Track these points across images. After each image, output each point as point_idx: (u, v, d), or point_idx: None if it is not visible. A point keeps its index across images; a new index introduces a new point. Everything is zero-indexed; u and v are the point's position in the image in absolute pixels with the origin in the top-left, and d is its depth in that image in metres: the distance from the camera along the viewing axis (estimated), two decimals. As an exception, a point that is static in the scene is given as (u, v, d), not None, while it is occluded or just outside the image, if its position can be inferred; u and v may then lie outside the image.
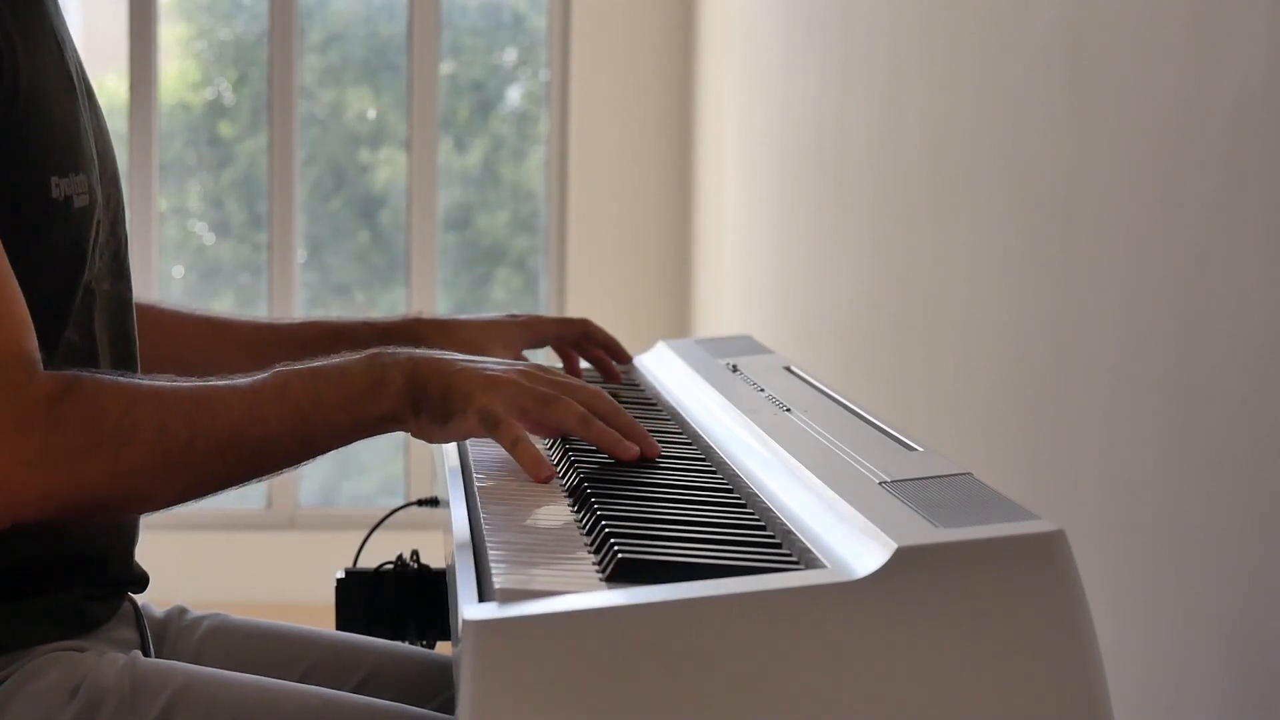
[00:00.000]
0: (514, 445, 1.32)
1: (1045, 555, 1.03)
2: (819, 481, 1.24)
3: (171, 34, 4.99)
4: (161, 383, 1.28)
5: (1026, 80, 2.18)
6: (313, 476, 4.92)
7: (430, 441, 1.36)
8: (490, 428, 1.31)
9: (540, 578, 1.10)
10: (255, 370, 1.61)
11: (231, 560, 4.71)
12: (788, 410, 1.49)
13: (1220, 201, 1.66)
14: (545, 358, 1.87)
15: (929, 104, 2.59)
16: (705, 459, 1.44)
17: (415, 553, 1.74)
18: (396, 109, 5.02)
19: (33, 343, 1.24)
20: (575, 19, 4.80)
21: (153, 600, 1.54)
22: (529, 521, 1.26)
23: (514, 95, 5.18)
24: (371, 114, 5.09)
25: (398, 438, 1.35)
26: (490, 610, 1.01)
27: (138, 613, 1.48)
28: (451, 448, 1.50)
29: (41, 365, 1.24)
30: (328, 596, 1.74)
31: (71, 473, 1.22)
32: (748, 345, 1.88)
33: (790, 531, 1.18)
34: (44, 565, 1.36)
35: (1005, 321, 2.24)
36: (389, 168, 5.07)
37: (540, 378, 1.35)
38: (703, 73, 4.61)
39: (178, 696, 1.31)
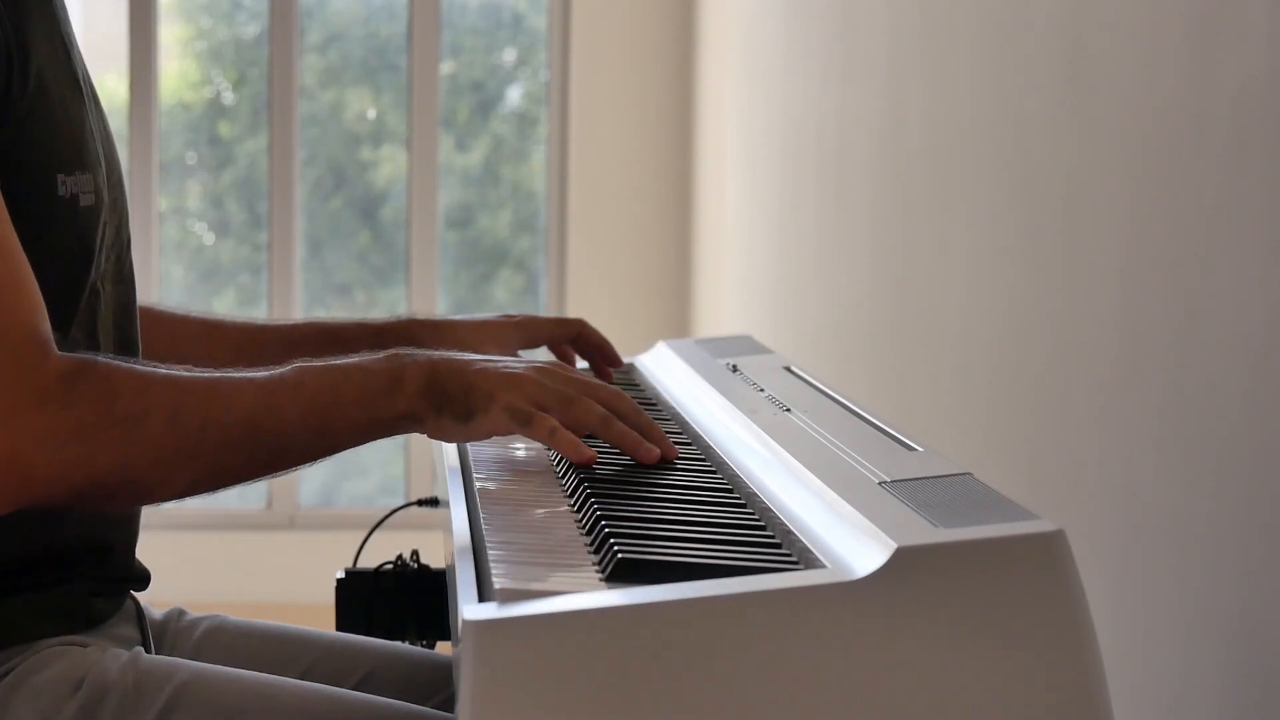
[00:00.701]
0: (552, 435, 1.32)
1: (1045, 555, 1.03)
2: (819, 481, 1.24)
3: (171, 34, 4.99)
4: (177, 370, 1.28)
5: (1026, 80, 2.18)
6: (313, 476, 4.92)
7: (449, 441, 1.36)
8: (522, 423, 1.31)
9: (540, 578, 1.10)
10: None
11: (231, 560, 4.71)
12: (788, 410, 1.49)
13: (1220, 201, 1.66)
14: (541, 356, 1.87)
15: (929, 104, 2.59)
16: (705, 459, 1.44)
17: (415, 553, 1.74)
18: (396, 109, 5.02)
19: (46, 324, 1.24)
20: (575, 19, 4.80)
21: (151, 601, 1.54)
22: (529, 521, 1.26)
23: (514, 95, 5.19)
24: (371, 114, 5.09)
25: (398, 437, 1.36)
26: (490, 610, 1.01)
27: (139, 611, 1.49)
28: (451, 448, 1.50)
29: (54, 345, 1.24)
30: (328, 596, 1.74)
31: (83, 452, 1.21)
32: (748, 345, 1.88)
33: (790, 531, 1.18)
34: (47, 557, 1.36)
35: (1005, 321, 2.24)
36: (389, 167, 5.07)
37: (559, 376, 1.35)
38: (703, 73, 4.61)
39: (180, 691, 1.31)
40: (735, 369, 1.71)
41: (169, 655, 1.52)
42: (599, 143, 4.82)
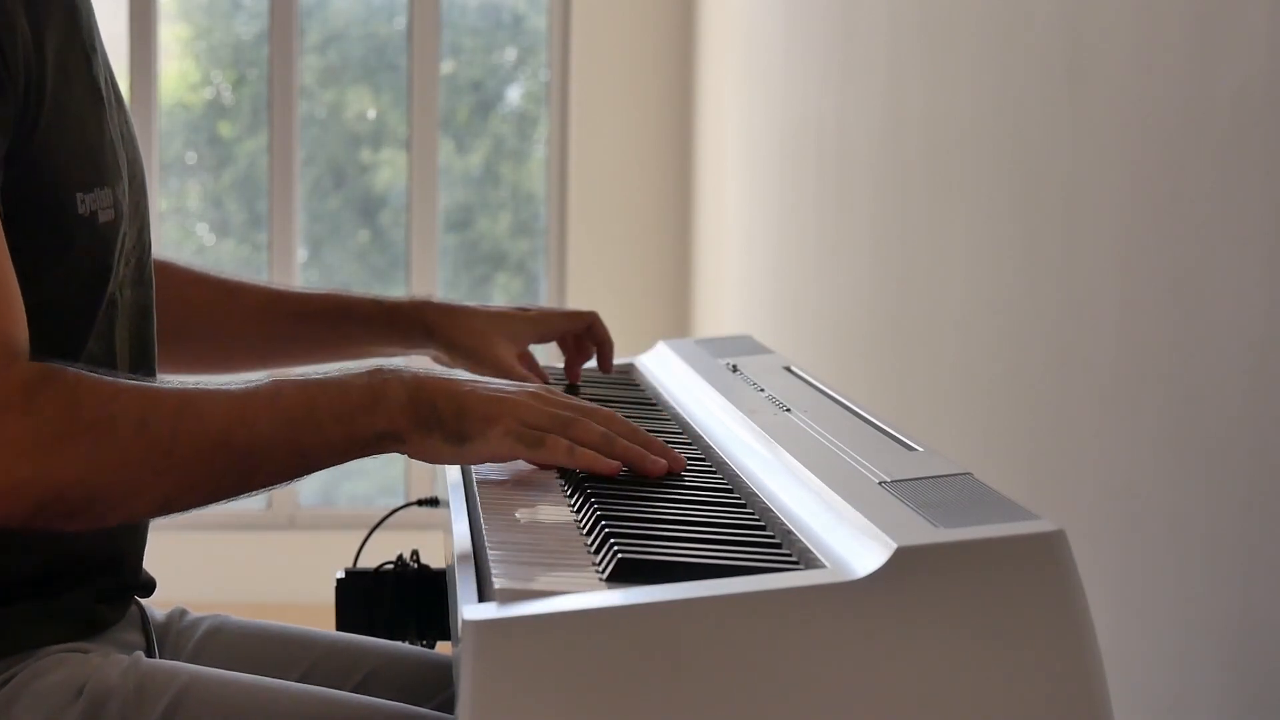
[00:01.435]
0: (571, 453, 1.30)
1: (1045, 555, 1.03)
2: (819, 481, 1.24)
3: (171, 34, 4.99)
4: (147, 382, 1.25)
5: (1026, 80, 2.18)
6: (313, 476, 4.92)
7: (437, 462, 1.32)
8: (531, 446, 1.29)
9: (540, 578, 1.10)
10: (263, 337, 1.59)
11: (231, 560, 4.71)
12: (788, 410, 1.49)
13: (1220, 201, 1.66)
14: (545, 355, 1.87)
15: (929, 104, 2.59)
16: (705, 459, 1.44)
17: (415, 553, 1.73)
18: (396, 109, 5.02)
19: (19, 330, 1.21)
20: (575, 19, 4.80)
21: (153, 601, 1.54)
22: (529, 521, 1.26)
23: (514, 95, 5.19)
24: (371, 114, 5.09)
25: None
26: (490, 610, 1.01)
27: (144, 615, 1.48)
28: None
29: (26, 355, 1.21)
30: (328, 596, 1.74)
31: (45, 462, 1.18)
32: (748, 345, 1.87)
33: (790, 531, 1.18)
34: (57, 568, 1.36)
35: (1005, 321, 2.24)
36: (389, 168, 5.07)
37: (550, 399, 1.33)
38: (703, 73, 4.61)
39: (181, 696, 1.31)
40: (735, 369, 1.71)
41: (171, 656, 1.52)
42: (599, 143, 4.82)
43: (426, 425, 1.27)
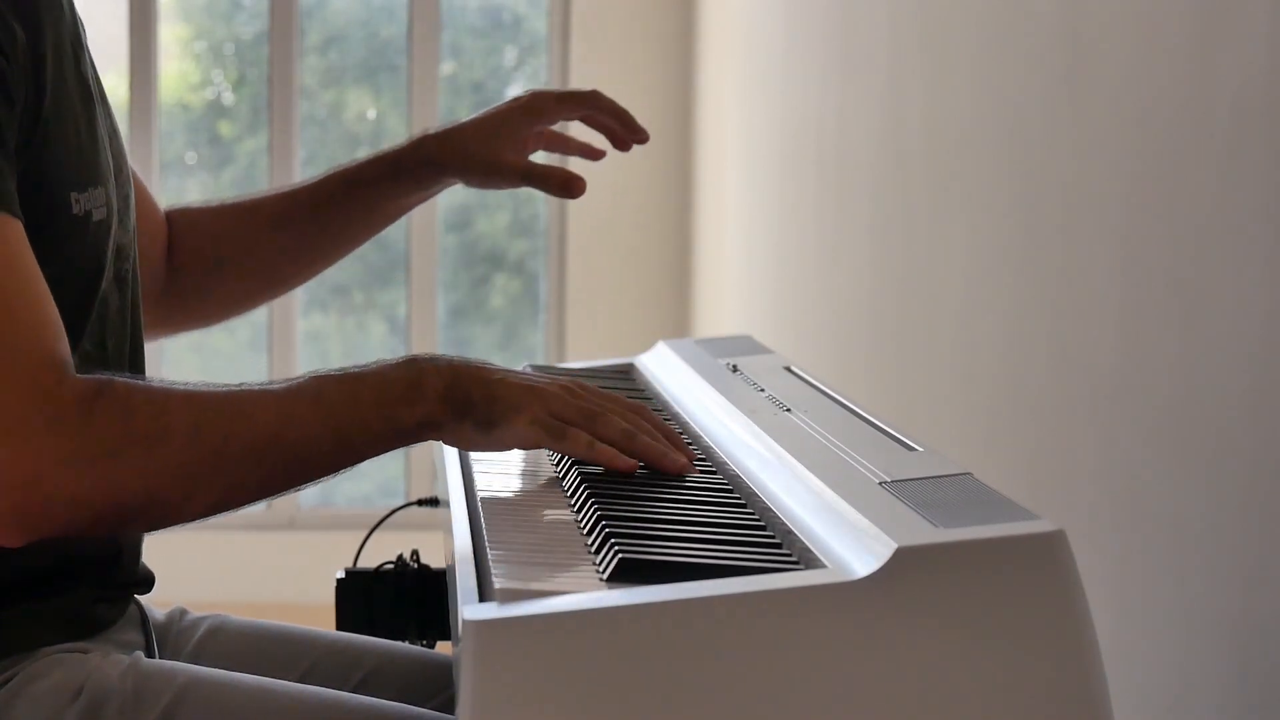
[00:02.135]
0: (590, 448, 1.31)
1: (1045, 555, 1.03)
2: (819, 481, 1.24)
3: (171, 34, 4.99)
4: (194, 385, 1.27)
5: (1026, 80, 2.18)
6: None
7: (469, 449, 1.35)
8: (555, 437, 1.30)
9: (540, 578, 1.10)
10: (295, 238, 1.59)
11: (231, 560, 4.71)
12: (788, 410, 1.49)
13: (1220, 200, 1.66)
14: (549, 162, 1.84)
15: (929, 104, 2.59)
16: (705, 459, 1.44)
17: (415, 553, 1.73)
18: (396, 109, 5.02)
19: (64, 346, 1.24)
20: (575, 19, 4.80)
21: (153, 601, 1.54)
22: (529, 521, 1.26)
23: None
24: (371, 114, 5.09)
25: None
26: (490, 610, 1.01)
27: (143, 615, 1.48)
28: (452, 448, 1.50)
29: (72, 368, 1.23)
30: (328, 596, 1.74)
31: (104, 474, 1.20)
32: (748, 345, 1.87)
33: (790, 531, 1.18)
34: (55, 566, 1.36)
35: (1005, 321, 2.24)
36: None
37: (580, 391, 1.35)
38: (703, 73, 4.61)
39: (180, 696, 1.31)
40: (735, 369, 1.71)
41: (170, 656, 1.52)
42: (599, 143, 4.81)
43: (460, 412, 1.30)
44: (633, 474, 1.33)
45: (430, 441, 1.36)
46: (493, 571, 1.09)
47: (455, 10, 5.00)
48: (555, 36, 4.89)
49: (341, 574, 1.73)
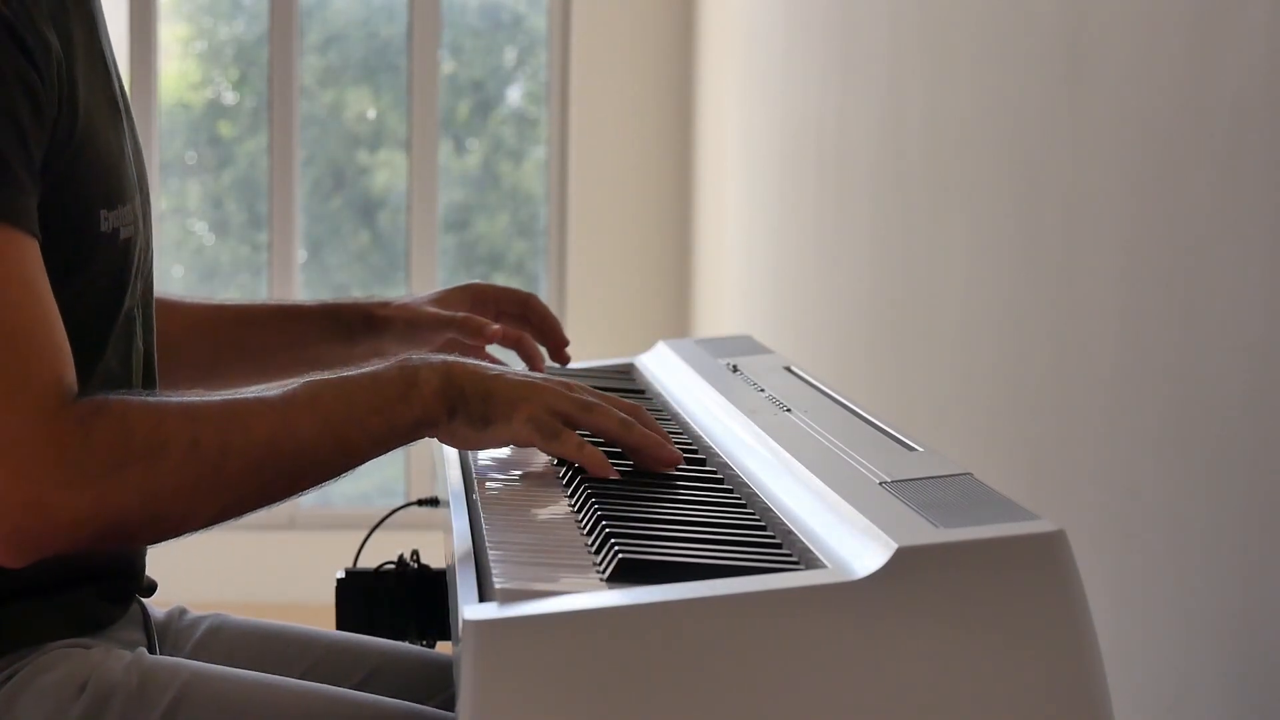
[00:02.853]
0: (580, 450, 1.31)
1: (1045, 555, 1.03)
2: (819, 481, 1.24)
3: (171, 34, 4.99)
4: (190, 398, 1.27)
5: (1026, 80, 2.18)
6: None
7: (463, 447, 1.36)
8: (548, 437, 1.31)
9: (540, 578, 1.10)
10: (211, 346, 1.59)
11: (231, 560, 4.71)
12: (788, 410, 1.49)
13: (1220, 200, 1.66)
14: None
15: (929, 104, 2.59)
16: (705, 459, 1.44)
17: (415, 553, 1.74)
18: (396, 109, 5.02)
19: (71, 373, 1.24)
20: (575, 19, 4.80)
21: (153, 601, 1.54)
22: (529, 521, 1.26)
23: (514, 95, 5.19)
24: (371, 114, 5.09)
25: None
26: (490, 610, 1.01)
27: (145, 614, 1.49)
28: (452, 448, 1.50)
29: (75, 392, 1.23)
30: (328, 596, 1.74)
31: (105, 492, 1.21)
32: (748, 345, 1.87)
33: (790, 531, 1.18)
34: (60, 565, 1.36)
35: (1005, 321, 2.24)
36: (388, 168, 5.07)
37: (577, 387, 1.35)
38: (703, 73, 4.61)
39: (184, 691, 1.31)
40: (735, 369, 1.71)
41: (171, 655, 1.52)
42: (599, 143, 4.82)
43: (455, 410, 1.30)
44: (620, 478, 1.33)
45: (430, 441, 1.36)
46: (493, 571, 1.09)
47: (455, 10, 5.00)
48: (555, 36, 4.89)
49: (341, 574, 1.73)
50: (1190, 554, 1.71)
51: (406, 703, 1.40)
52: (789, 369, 1.71)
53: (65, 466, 1.20)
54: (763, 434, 1.41)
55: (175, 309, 1.69)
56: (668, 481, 1.34)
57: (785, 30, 3.60)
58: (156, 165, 4.83)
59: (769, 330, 3.60)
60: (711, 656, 0.99)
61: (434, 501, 1.74)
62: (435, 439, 1.33)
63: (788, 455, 1.33)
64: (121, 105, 1.39)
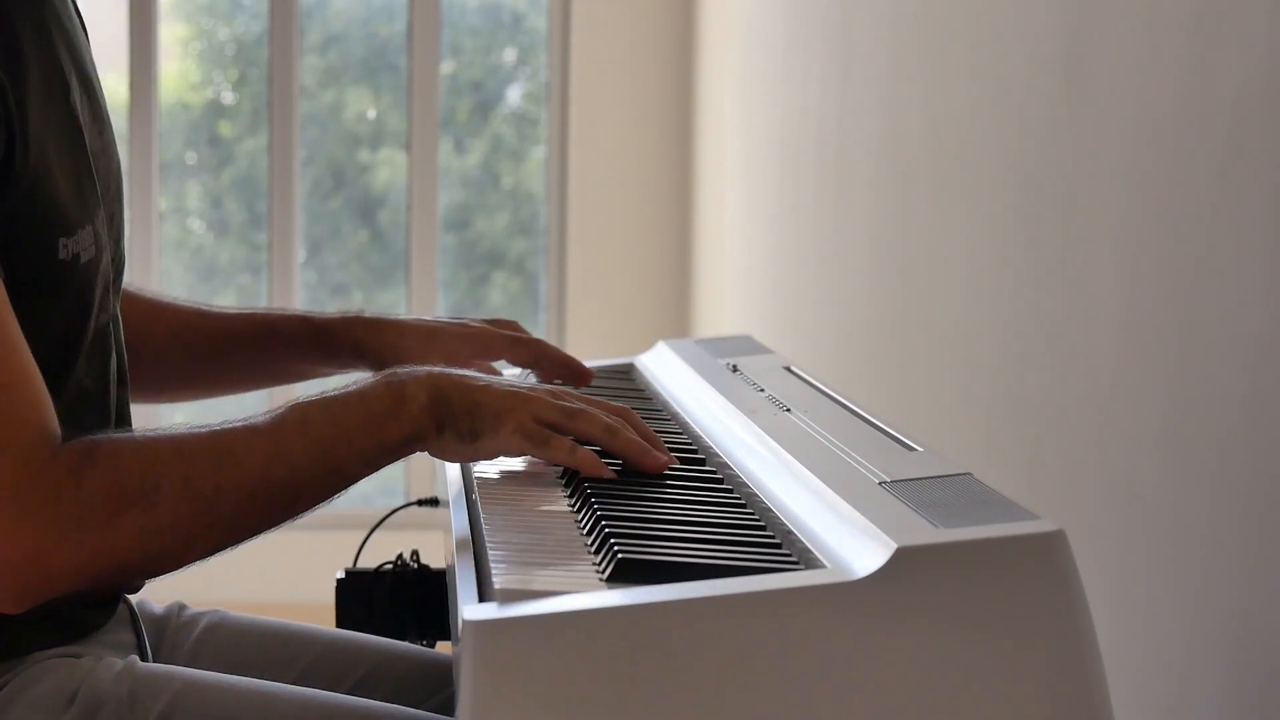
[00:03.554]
0: (573, 453, 1.31)
1: (1045, 555, 1.03)
2: (819, 481, 1.24)
3: (171, 34, 4.99)
4: (179, 432, 1.27)
5: (1026, 80, 2.18)
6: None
7: (452, 460, 1.35)
8: (538, 444, 1.31)
9: (540, 578, 1.10)
10: (189, 358, 1.58)
11: (231, 560, 4.68)
12: (788, 410, 1.49)
13: (1220, 200, 1.66)
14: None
15: (929, 103, 2.59)
16: (705, 459, 1.44)
17: (415, 553, 1.73)
18: (396, 109, 5.02)
19: (53, 418, 1.23)
20: (575, 19, 4.80)
21: (151, 597, 1.54)
22: (529, 521, 1.26)
23: (514, 95, 5.18)
24: (371, 114, 5.09)
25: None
26: (490, 610, 1.01)
27: (133, 614, 1.48)
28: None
29: (60, 437, 1.23)
30: (328, 596, 1.74)
31: (102, 539, 1.21)
32: (748, 345, 1.87)
33: (790, 531, 1.18)
34: None
35: (1005, 321, 2.24)
36: (388, 168, 5.07)
37: (561, 394, 1.35)
38: (703, 73, 4.61)
39: (175, 701, 1.31)
40: (735, 369, 1.71)
41: (169, 652, 1.52)
42: (599, 143, 4.82)
43: (444, 424, 1.30)
44: (619, 478, 1.33)
45: (454, 461, 1.36)
46: (493, 571, 1.09)
47: (455, 10, 5.00)
48: (555, 36, 4.89)
49: (341, 574, 1.73)
50: (1191, 554, 1.71)
51: (404, 708, 1.39)
52: (789, 369, 1.71)
53: (60, 518, 1.20)
54: (763, 434, 1.41)
55: (163, 313, 1.67)
56: (667, 482, 1.34)
57: (785, 30, 3.60)
58: (156, 165, 4.83)
59: (769, 330, 3.60)
60: (711, 656, 0.99)
61: (434, 501, 1.74)
62: (427, 453, 1.32)
63: (788, 455, 1.33)
64: (83, 118, 1.36)
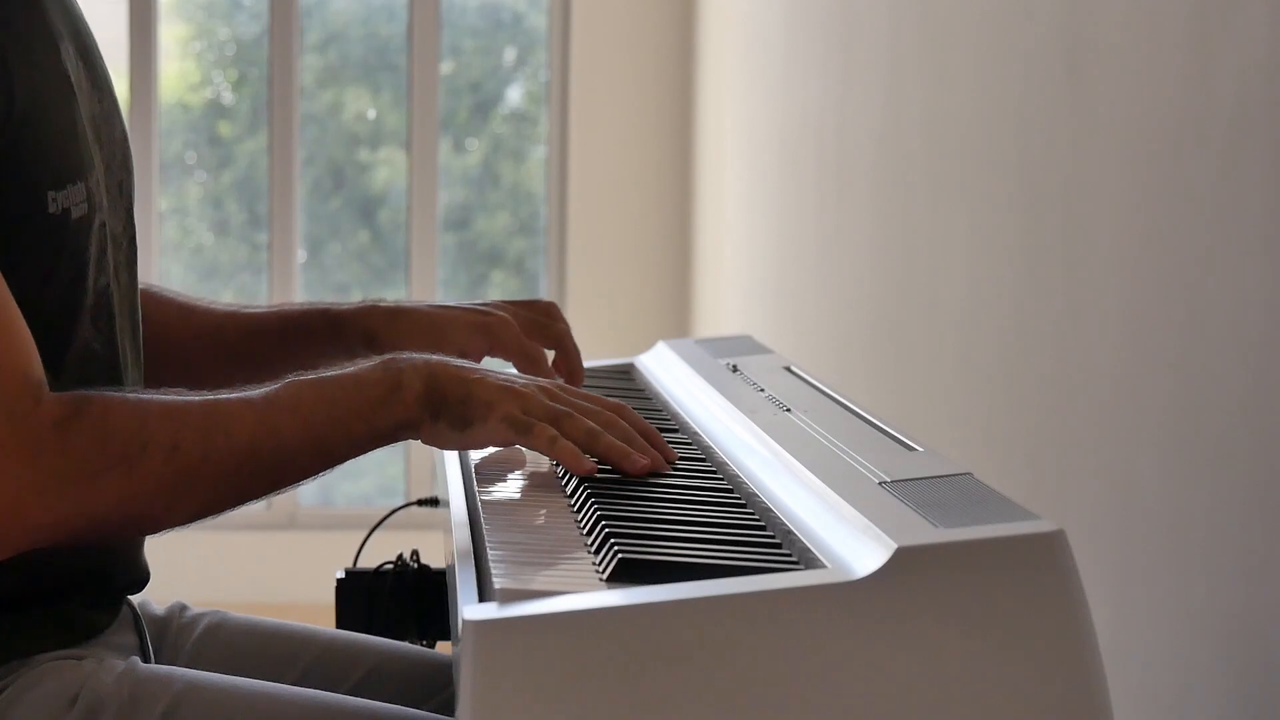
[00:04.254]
0: (552, 444, 1.30)
1: (1045, 555, 1.03)
2: (819, 481, 1.24)
3: (171, 34, 4.99)
4: (172, 397, 1.27)
5: (1026, 79, 2.18)
6: (314, 476, 4.92)
7: (444, 448, 1.35)
8: (521, 432, 1.30)
9: (540, 578, 1.10)
10: (215, 356, 1.59)
11: (231, 560, 4.71)
12: (788, 410, 1.49)
13: (1220, 200, 1.66)
14: None
15: (929, 103, 2.59)
16: (705, 459, 1.44)
17: (415, 553, 1.73)
18: (396, 109, 5.02)
19: (38, 367, 1.23)
20: (575, 19, 4.80)
21: (153, 598, 1.54)
22: (529, 521, 1.26)
23: (514, 95, 5.19)
24: (371, 114, 5.09)
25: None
26: (490, 610, 1.01)
27: (136, 616, 1.48)
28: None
29: (47, 388, 1.22)
30: (328, 596, 1.74)
31: (83, 496, 1.21)
32: (748, 345, 1.87)
33: (790, 531, 1.18)
34: (46, 578, 1.35)
35: (1005, 321, 2.24)
36: (388, 168, 5.07)
37: (557, 393, 1.34)
38: (703, 73, 4.61)
39: (176, 702, 1.31)
40: (735, 369, 1.71)
41: (170, 653, 1.52)
42: (599, 143, 4.82)
43: (436, 412, 1.30)
44: (592, 473, 1.32)
45: (445, 449, 1.36)
46: (493, 571, 1.09)
47: (455, 9, 5.00)
48: (555, 35, 4.89)
49: (341, 574, 1.73)
50: (1191, 553, 1.71)
51: (404, 708, 1.39)
52: (789, 369, 1.71)
53: (42, 471, 1.20)
54: (763, 434, 1.41)
55: (192, 315, 1.67)
56: (667, 481, 1.34)
57: (785, 30, 3.60)
58: (156, 165, 4.83)
59: (769, 330, 3.60)
60: (711, 656, 0.99)
61: (434, 501, 1.74)
62: (419, 440, 1.32)
63: (788, 455, 1.33)
64: (77, 81, 1.37)
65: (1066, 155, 2.04)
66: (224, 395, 1.28)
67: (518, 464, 1.45)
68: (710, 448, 1.46)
